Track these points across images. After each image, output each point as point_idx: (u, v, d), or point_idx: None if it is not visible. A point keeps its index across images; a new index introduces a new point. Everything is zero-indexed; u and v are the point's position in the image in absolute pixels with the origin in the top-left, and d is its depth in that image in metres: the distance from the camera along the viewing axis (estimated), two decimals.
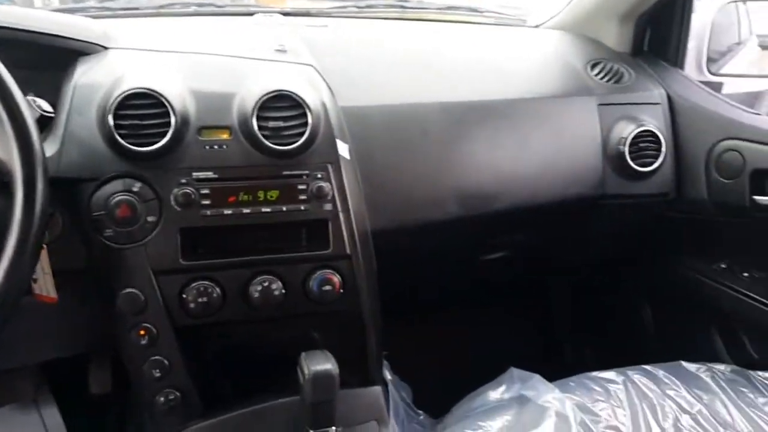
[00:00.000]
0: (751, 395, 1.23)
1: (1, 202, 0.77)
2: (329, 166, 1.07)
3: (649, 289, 1.82)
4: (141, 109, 0.97)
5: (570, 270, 1.99)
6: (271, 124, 1.02)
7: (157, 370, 1.04)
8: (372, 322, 1.13)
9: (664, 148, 1.42)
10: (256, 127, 1.01)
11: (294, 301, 1.06)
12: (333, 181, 1.06)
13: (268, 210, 1.03)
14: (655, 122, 1.44)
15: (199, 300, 1.01)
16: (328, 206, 1.06)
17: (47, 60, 1.03)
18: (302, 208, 1.05)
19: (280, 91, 1.03)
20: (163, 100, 0.97)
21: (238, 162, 1.02)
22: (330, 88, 1.14)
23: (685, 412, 1.19)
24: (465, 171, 1.30)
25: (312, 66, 1.16)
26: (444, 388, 1.31)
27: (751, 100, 2.01)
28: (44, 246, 0.92)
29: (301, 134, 1.03)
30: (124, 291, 0.99)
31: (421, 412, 1.38)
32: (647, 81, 1.52)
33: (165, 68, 1.06)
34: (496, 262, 1.62)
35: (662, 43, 1.61)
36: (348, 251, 1.08)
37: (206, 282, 1.02)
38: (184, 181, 1.00)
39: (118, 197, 0.96)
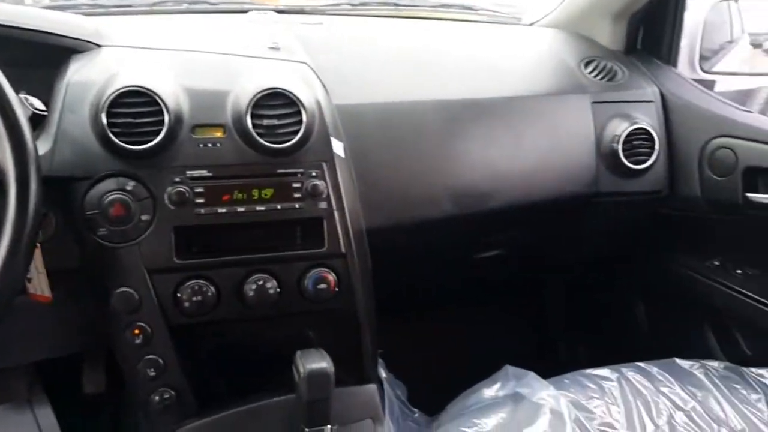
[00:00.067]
0: (744, 392, 1.23)
1: None
2: (324, 164, 1.06)
3: (642, 286, 1.83)
4: (134, 107, 0.96)
5: (564, 268, 1.99)
6: (266, 122, 1.02)
7: (152, 369, 1.04)
8: (367, 321, 1.13)
9: (657, 146, 1.43)
10: (250, 125, 1.01)
11: (289, 299, 1.06)
12: (328, 179, 1.06)
13: (263, 208, 1.03)
14: (648, 120, 1.45)
15: (194, 299, 1.01)
16: (323, 204, 1.06)
17: (39, 58, 1.03)
18: (297, 206, 1.05)
19: (274, 88, 1.02)
20: (157, 98, 0.97)
21: (232, 160, 1.02)
22: (324, 86, 1.14)
23: (679, 408, 1.19)
24: (459, 169, 1.30)
25: (306, 64, 1.16)
26: (439, 385, 1.31)
27: (743, 97, 2.01)
28: (38, 245, 0.92)
29: (296, 132, 1.03)
30: (118, 290, 0.99)
31: (416, 410, 1.37)
32: (640, 79, 1.53)
33: (158, 66, 1.06)
34: (491, 260, 1.62)
35: (655, 41, 1.62)
36: (343, 249, 1.08)
37: (201, 281, 1.01)
38: (178, 179, 0.99)
39: (112, 196, 0.96)
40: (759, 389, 1.24)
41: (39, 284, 0.96)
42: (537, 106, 1.41)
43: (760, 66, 2.24)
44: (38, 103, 0.98)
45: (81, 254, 1.00)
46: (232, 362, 1.19)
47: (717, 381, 1.26)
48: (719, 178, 1.39)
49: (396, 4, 1.65)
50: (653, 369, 1.28)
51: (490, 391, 1.26)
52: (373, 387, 1.18)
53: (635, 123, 1.41)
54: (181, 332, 1.04)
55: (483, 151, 1.33)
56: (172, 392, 1.06)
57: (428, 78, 1.36)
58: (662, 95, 1.49)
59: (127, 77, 0.98)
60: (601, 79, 1.50)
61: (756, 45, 2.17)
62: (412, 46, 1.47)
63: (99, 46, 1.07)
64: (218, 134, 1.02)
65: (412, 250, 1.39)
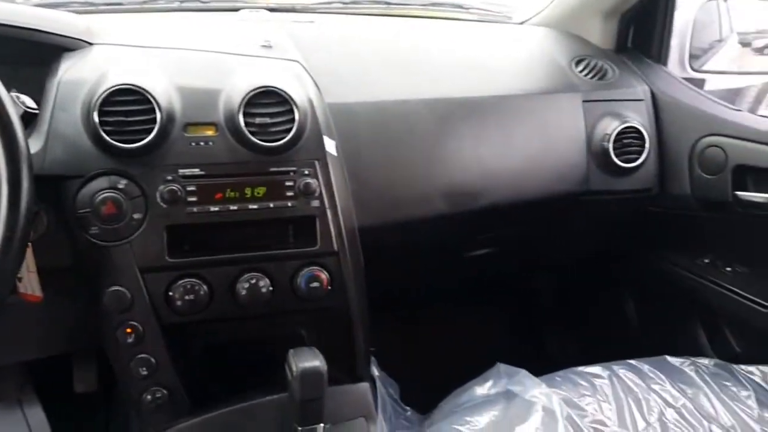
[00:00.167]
0: (734, 389, 1.24)
1: None
2: (316, 163, 1.06)
3: (633, 284, 1.84)
4: (126, 105, 0.96)
5: (555, 266, 2.00)
6: (258, 120, 1.02)
7: (144, 368, 1.03)
8: (360, 319, 1.13)
9: (647, 144, 1.44)
10: (242, 124, 1.01)
11: (282, 298, 1.06)
12: (320, 178, 1.06)
13: (255, 207, 1.03)
14: (638, 118, 1.45)
15: (186, 298, 1.01)
16: (316, 203, 1.06)
17: (31, 56, 1.02)
18: (289, 204, 1.05)
19: (266, 87, 1.02)
20: (149, 96, 0.97)
21: (224, 158, 1.02)
22: (316, 85, 1.14)
23: (670, 406, 1.20)
24: (451, 167, 1.31)
25: (298, 62, 1.16)
26: (431, 384, 1.31)
27: (732, 96, 2.03)
28: (29, 244, 0.91)
29: (288, 130, 1.03)
30: (110, 289, 0.99)
31: (408, 408, 1.37)
32: (631, 78, 1.53)
33: (150, 64, 1.06)
34: (482, 259, 1.63)
35: (646, 40, 1.62)
36: (335, 248, 1.07)
37: (193, 279, 1.01)
38: (170, 177, 0.99)
39: (104, 194, 0.96)
40: (749, 386, 1.25)
41: (29, 283, 0.96)
42: (528, 105, 1.41)
43: (748, 65, 2.26)
44: (30, 102, 0.98)
45: (73, 253, 1.00)
46: (224, 361, 1.19)
47: (707, 378, 1.26)
48: (709, 177, 1.39)
49: (387, 3, 1.64)
50: (644, 366, 1.29)
51: (482, 389, 1.26)
52: (365, 385, 1.18)
53: (626, 121, 1.42)
54: (173, 331, 1.04)
55: (474, 150, 1.33)
56: (164, 391, 1.06)
57: (419, 76, 1.36)
58: (653, 94, 1.50)
59: (119, 75, 0.98)
60: (592, 77, 1.50)
61: (744, 44, 2.19)
62: (403, 44, 1.47)
63: (90, 44, 1.07)
64: (210, 133, 1.02)
65: (403, 248, 1.39)
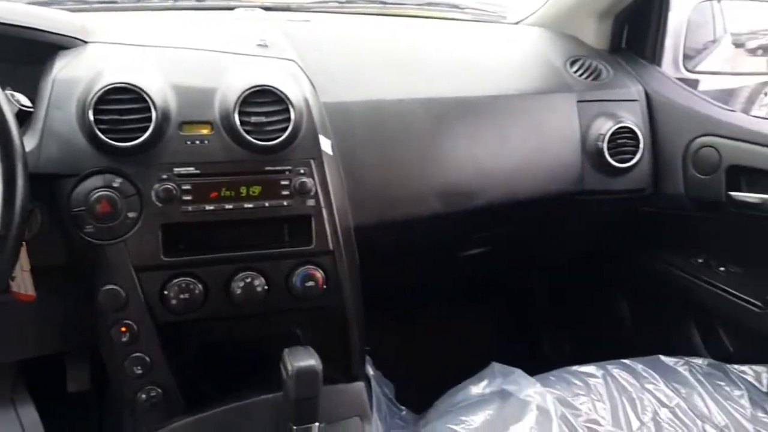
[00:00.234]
0: (728, 388, 1.25)
1: None
2: (312, 162, 1.06)
3: (627, 283, 1.84)
4: (121, 104, 0.96)
5: (550, 265, 2.00)
6: (253, 119, 1.02)
7: (138, 367, 1.03)
8: (355, 318, 1.13)
9: (641, 145, 1.44)
10: (238, 122, 1.01)
11: (277, 297, 1.06)
12: (316, 177, 1.06)
13: (251, 206, 1.03)
14: (633, 119, 1.46)
15: (181, 296, 1.00)
16: (311, 202, 1.06)
17: (25, 54, 1.02)
18: (285, 203, 1.04)
19: (262, 86, 1.02)
20: (144, 94, 0.96)
21: (219, 157, 1.02)
22: (312, 84, 1.14)
23: (664, 405, 1.20)
24: (446, 167, 1.31)
25: (294, 61, 1.16)
26: (426, 383, 1.31)
27: (726, 97, 2.04)
28: (23, 243, 0.91)
29: (284, 129, 1.03)
30: (104, 288, 0.98)
31: (403, 407, 1.38)
32: (625, 78, 1.54)
33: (145, 63, 1.05)
34: (477, 258, 1.63)
35: (640, 41, 1.63)
36: (331, 247, 1.07)
37: (188, 278, 1.01)
38: (165, 176, 0.99)
39: (99, 193, 0.95)
40: (742, 386, 1.26)
41: (23, 282, 0.95)
42: (523, 105, 1.41)
43: (742, 65, 2.27)
44: (24, 100, 0.97)
45: (67, 251, 1.00)
46: (219, 360, 1.19)
47: (701, 378, 1.27)
48: (703, 177, 1.40)
49: (383, 2, 1.65)
50: (638, 366, 1.29)
51: (477, 388, 1.26)
52: (360, 385, 1.18)
53: (620, 122, 1.42)
54: (168, 330, 1.04)
55: (469, 149, 1.33)
56: (159, 390, 1.05)
57: (415, 76, 1.36)
58: (647, 94, 1.50)
59: (114, 74, 0.97)
60: (587, 78, 1.51)
61: (738, 45, 2.20)
62: (399, 44, 1.47)
63: (85, 42, 1.06)
64: (206, 131, 1.02)
65: (399, 247, 1.39)
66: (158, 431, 1.07)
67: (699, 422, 1.17)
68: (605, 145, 1.41)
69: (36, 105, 0.98)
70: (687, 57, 1.78)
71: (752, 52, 2.25)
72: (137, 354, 1.03)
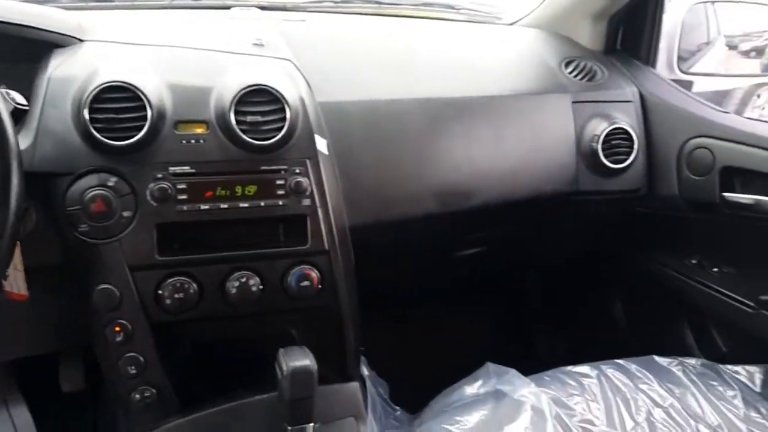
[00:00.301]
0: (721, 388, 1.25)
1: None
2: (307, 162, 1.06)
3: (621, 284, 1.85)
4: (117, 102, 0.95)
5: (544, 266, 2.01)
6: (249, 118, 1.02)
7: (133, 367, 1.03)
8: (350, 318, 1.13)
9: (636, 146, 1.44)
10: (233, 122, 1.01)
11: (272, 296, 1.06)
12: (311, 177, 1.06)
13: (246, 205, 1.03)
14: (627, 120, 1.46)
15: (176, 296, 1.00)
16: (307, 201, 1.06)
17: (21, 52, 1.02)
18: (280, 203, 1.04)
19: (258, 85, 1.02)
20: (140, 93, 0.96)
21: (215, 156, 1.02)
22: (308, 83, 1.14)
23: (658, 405, 1.21)
24: (441, 167, 1.31)
25: (290, 61, 1.15)
26: (421, 383, 1.31)
27: (720, 98, 2.04)
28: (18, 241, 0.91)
29: (280, 129, 1.03)
30: (99, 287, 0.98)
31: (398, 407, 1.37)
32: (620, 79, 1.54)
33: (141, 61, 1.05)
34: (472, 258, 1.63)
35: (635, 42, 1.63)
36: (326, 247, 1.07)
37: (183, 278, 1.01)
38: (160, 175, 0.99)
39: (94, 192, 0.95)
40: (735, 386, 1.26)
41: (15, 281, 0.95)
42: (518, 106, 1.42)
43: (735, 67, 2.28)
44: (20, 98, 0.97)
45: (61, 250, 0.99)
46: (214, 360, 1.19)
47: (694, 378, 1.27)
48: (697, 178, 1.40)
49: (378, 2, 1.65)
50: (632, 366, 1.29)
51: (472, 388, 1.26)
52: (355, 385, 1.18)
53: (614, 123, 1.43)
54: (162, 330, 1.04)
55: (464, 150, 1.33)
56: (153, 390, 1.05)
57: (411, 76, 1.36)
58: (641, 95, 1.51)
59: (110, 72, 0.97)
60: (581, 79, 1.51)
61: (732, 46, 2.20)
62: (394, 44, 1.47)
63: (81, 40, 1.06)
64: (201, 130, 1.02)
65: (394, 247, 1.39)
66: (152, 431, 1.06)
67: (692, 422, 1.17)
68: (600, 146, 1.41)
69: (31, 103, 0.98)
70: (681, 58, 1.78)
71: (746, 54, 2.26)
72: (131, 354, 1.02)
